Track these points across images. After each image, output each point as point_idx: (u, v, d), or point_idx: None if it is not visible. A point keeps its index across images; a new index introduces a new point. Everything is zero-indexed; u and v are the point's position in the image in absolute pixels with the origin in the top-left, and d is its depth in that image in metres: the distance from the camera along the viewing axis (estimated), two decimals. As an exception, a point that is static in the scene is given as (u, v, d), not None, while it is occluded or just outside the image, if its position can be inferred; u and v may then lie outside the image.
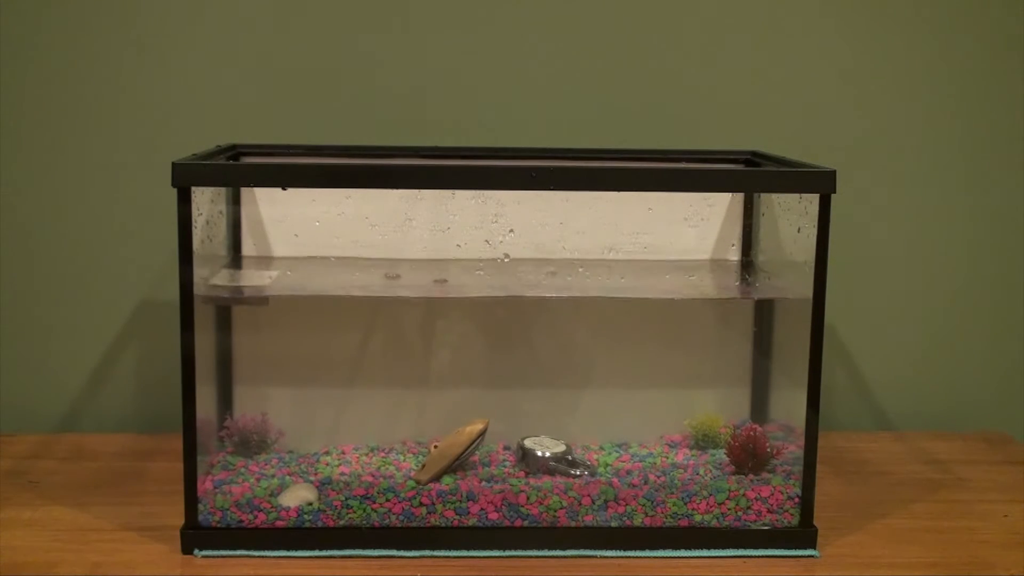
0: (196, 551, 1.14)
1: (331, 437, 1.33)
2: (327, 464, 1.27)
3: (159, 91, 1.48)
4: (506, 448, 1.32)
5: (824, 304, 1.14)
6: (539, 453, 1.26)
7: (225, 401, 1.32)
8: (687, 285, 1.35)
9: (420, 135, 1.49)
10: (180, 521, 1.15)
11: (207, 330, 1.25)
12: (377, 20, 1.49)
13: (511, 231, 1.30)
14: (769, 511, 1.18)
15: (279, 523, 1.16)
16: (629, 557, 1.16)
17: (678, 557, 1.16)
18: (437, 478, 1.21)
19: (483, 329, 1.35)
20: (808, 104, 1.54)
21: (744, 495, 1.19)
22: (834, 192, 1.12)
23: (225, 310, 1.30)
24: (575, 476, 1.24)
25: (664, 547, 1.17)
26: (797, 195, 1.20)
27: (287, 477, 1.21)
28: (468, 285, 1.32)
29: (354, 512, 1.16)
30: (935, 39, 1.53)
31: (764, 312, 1.35)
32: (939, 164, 1.56)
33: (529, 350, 1.36)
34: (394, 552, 1.15)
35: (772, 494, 1.19)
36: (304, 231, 1.35)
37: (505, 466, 1.27)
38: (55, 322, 1.52)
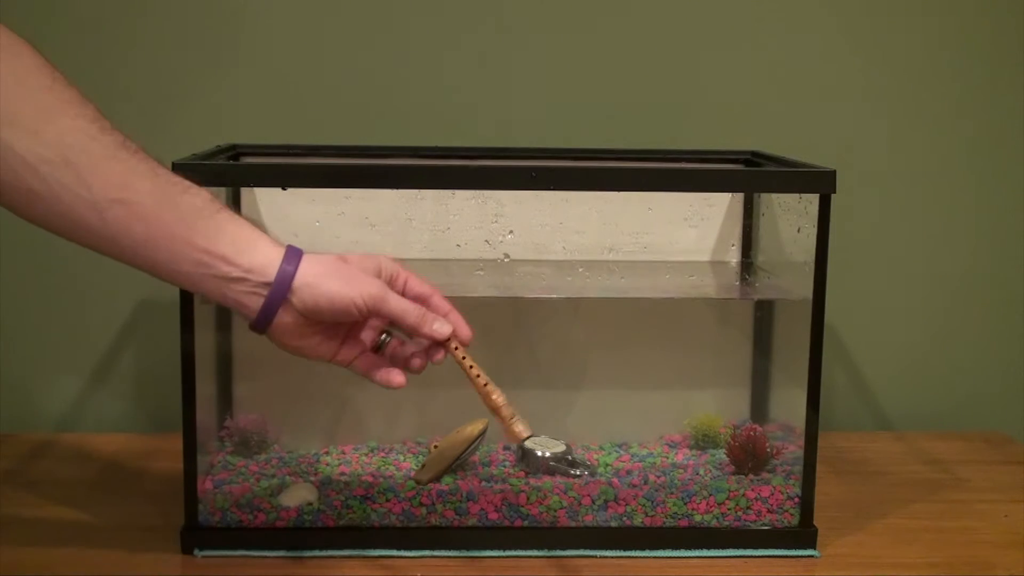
0: (196, 551, 1.14)
1: (331, 437, 1.33)
2: (327, 464, 1.27)
3: (159, 91, 1.48)
4: (506, 448, 1.32)
5: (824, 304, 1.14)
6: (539, 453, 1.26)
7: (225, 401, 1.32)
8: (687, 285, 1.35)
9: (420, 135, 1.49)
10: (180, 521, 1.15)
11: (207, 330, 1.25)
12: (378, 20, 1.49)
13: (511, 232, 1.30)
14: (769, 511, 1.18)
15: (279, 523, 1.16)
16: (629, 557, 1.16)
17: (678, 557, 1.16)
18: (437, 478, 1.21)
19: (483, 329, 1.35)
20: (808, 104, 1.54)
21: (744, 495, 1.19)
22: (834, 192, 1.12)
23: (225, 310, 1.30)
24: (575, 476, 1.24)
25: (664, 547, 1.17)
26: (797, 195, 1.20)
27: (287, 477, 1.21)
28: (468, 285, 1.32)
29: (354, 512, 1.16)
30: (936, 39, 1.54)
31: (764, 312, 1.35)
32: (939, 164, 1.56)
33: (529, 350, 1.36)
34: (394, 552, 1.15)
35: (772, 494, 1.19)
36: (304, 231, 1.34)
37: (505, 466, 1.27)
38: (55, 322, 1.52)
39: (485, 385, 1.01)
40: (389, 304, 0.97)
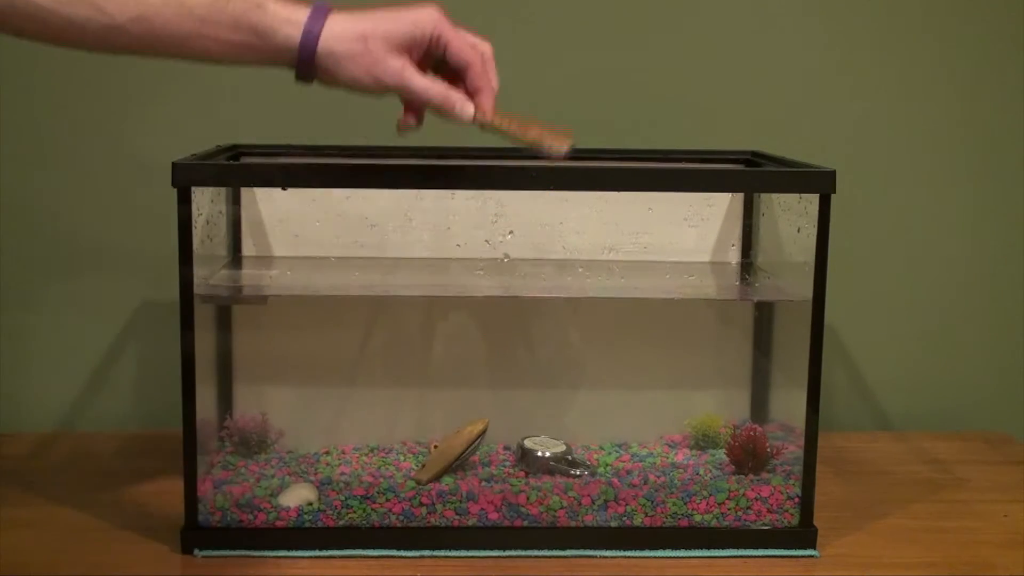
0: (196, 551, 1.14)
1: (331, 437, 1.33)
2: (327, 464, 1.27)
3: (159, 91, 1.48)
4: (506, 448, 1.32)
5: (824, 304, 1.14)
6: (539, 453, 1.26)
7: (225, 401, 1.32)
8: (687, 285, 1.35)
9: (420, 135, 1.48)
10: (180, 521, 1.15)
11: (207, 330, 1.25)
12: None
13: (511, 233, 1.30)
14: (769, 511, 1.18)
15: (279, 523, 1.16)
16: (629, 557, 1.16)
17: (678, 557, 1.16)
18: (437, 478, 1.21)
19: (483, 329, 1.35)
20: (808, 104, 1.54)
21: (744, 495, 1.19)
22: (834, 192, 1.12)
23: (225, 310, 1.30)
24: (575, 476, 1.24)
25: (664, 547, 1.17)
26: (797, 195, 1.20)
27: (287, 477, 1.21)
28: (468, 285, 1.32)
29: (354, 512, 1.16)
30: (935, 39, 1.54)
31: (764, 312, 1.35)
32: (939, 164, 1.56)
33: (529, 350, 1.36)
34: (394, 552, 1.15)
35: (772, 494, 1.19)
36: (304, 231, 1.35)
37: (505, 466, 1.27)
38: (55, 322, 1.52)
39: (520, 127, 1.03)
40: (412, 85, 0.99)
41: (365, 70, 0.98)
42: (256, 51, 0.98)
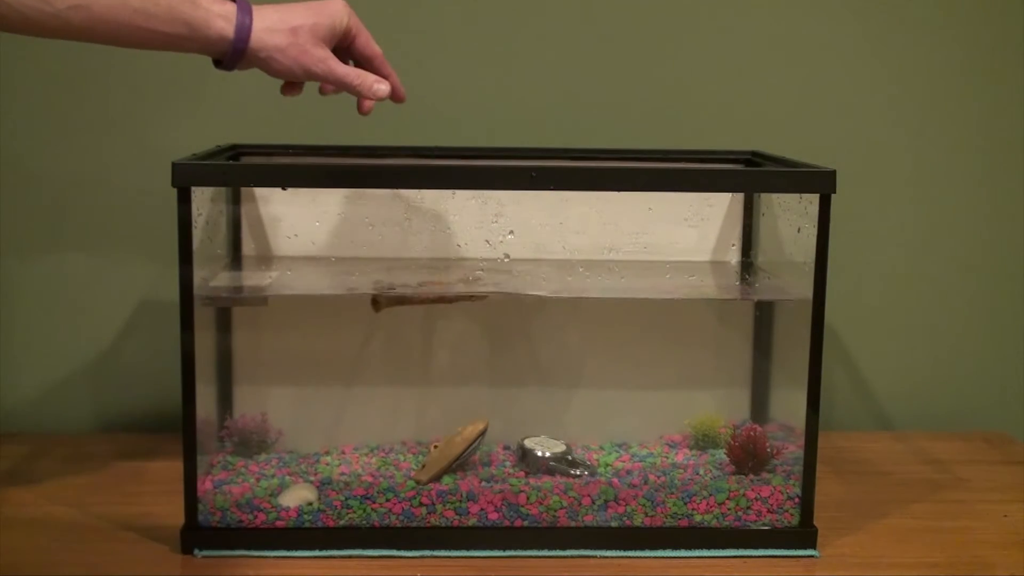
0: (196, 551, 1.14)
1: (331, 437, 1.33)
2: (327, 464, 1.27)
3: (159, 91, 1.48)
4: (506, 448, 1.32)
5: (824, 304, 1.14)
6: (539, 453, 1.26)
7: (225, 401, 1.32)
8: (687, 285, 1.35)
9: (420, 135, 1.49)
10: (180, 521, 1.15)
11: (207, 330, 1.26)
12: (377, 20, 1.49)
13: (511, 233, 1.30)
14: (769, 511, 1.18)
15: (279, 523, 1.16)
16: (629, 557, 1.16)
17: (678, 557, 1.16)
18: (437, 478, 1.21)
19: (483, 329, 1.35)
20: (808, 104, 1.54)
21: (744, 495, 1.19)
22: (834, 192, 1.13)
23: (225, 310, 1.30)
24: (575, 476, 1.24)
25: (664, 547, 1.17)
26: (797, 195, 1.20)
27: (287, 477, 1.22)
28: (469, 285, 1.32)
29: (354, 512, 1.16)
30: (936, 39, 1.54)
31: (764, 312, 1.35)
32: (939, 164, 1.56)
33: (529, 350, 1.36)
34: (394, 552, 1.15)
35: (772, 494, 1.19)
36: (304, 231, 1.35)
37: (505, 466, 1.27)
38: (55, 322, 1.52)
39: None
40: (336, 73, 1.10)
41: (294, 60, 1.07)
42: (187, 42, 1.04)
